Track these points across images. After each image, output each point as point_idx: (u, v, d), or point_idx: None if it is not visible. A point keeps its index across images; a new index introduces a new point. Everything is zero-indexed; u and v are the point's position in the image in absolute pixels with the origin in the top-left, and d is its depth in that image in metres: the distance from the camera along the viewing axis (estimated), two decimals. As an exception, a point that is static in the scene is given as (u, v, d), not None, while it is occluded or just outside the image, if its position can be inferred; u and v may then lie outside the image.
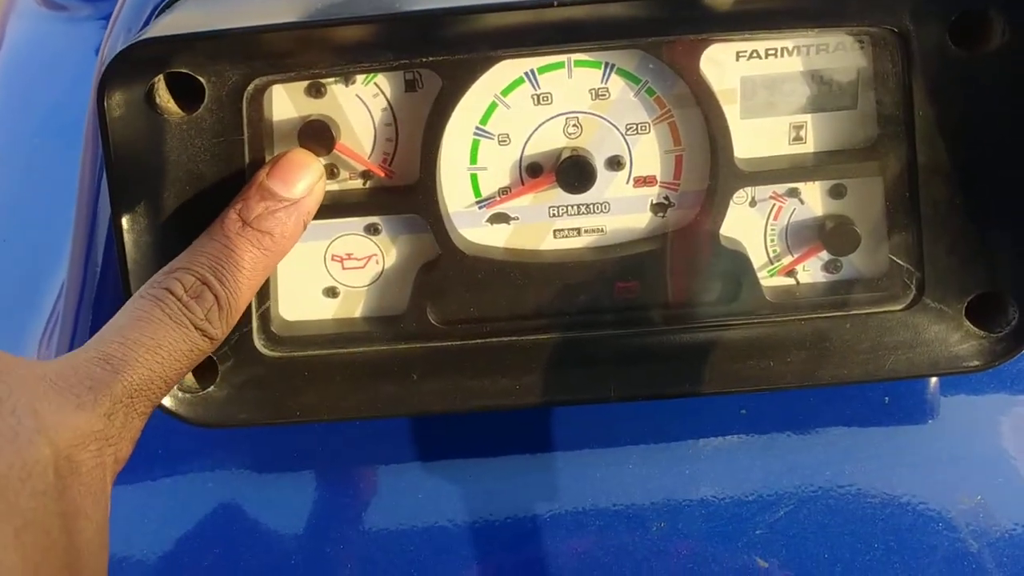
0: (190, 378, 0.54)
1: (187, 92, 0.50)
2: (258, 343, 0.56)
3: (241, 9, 0.51)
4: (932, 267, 0.54)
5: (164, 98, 0.50)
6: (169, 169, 0.51)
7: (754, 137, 0.55)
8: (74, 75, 0.91)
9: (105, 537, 0.40)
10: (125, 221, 0.51)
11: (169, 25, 0.49)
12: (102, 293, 0.64)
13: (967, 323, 0.55)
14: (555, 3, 0.45)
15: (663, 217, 0.56)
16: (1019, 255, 0.52)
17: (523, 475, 0.59)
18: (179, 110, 0.50)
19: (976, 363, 0.54)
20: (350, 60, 0.50)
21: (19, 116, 0.93)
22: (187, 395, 0.54)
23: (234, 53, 0.49)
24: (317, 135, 0.53)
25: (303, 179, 0.51)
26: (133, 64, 0.47)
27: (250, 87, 0.51)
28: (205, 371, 0.54)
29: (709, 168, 0.54)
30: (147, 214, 0.51)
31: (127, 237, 0.51)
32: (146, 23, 0.57)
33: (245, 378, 0.56)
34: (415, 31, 0.49)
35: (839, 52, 0.53)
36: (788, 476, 0.58)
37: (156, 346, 0.44)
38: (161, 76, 0.49)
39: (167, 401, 0.53)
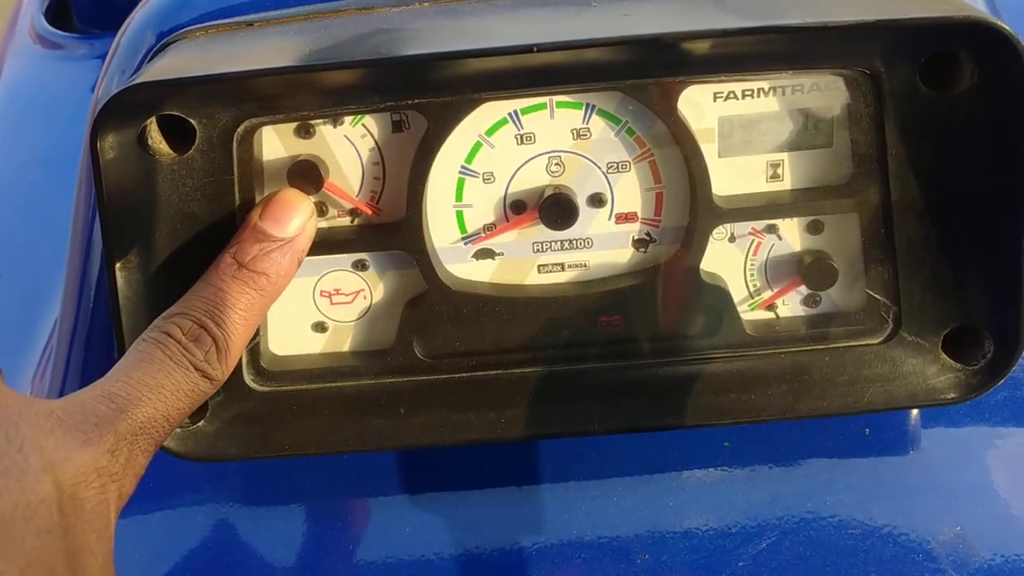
0: (180, 413, 0.55)
1: (178, 133, 0.51)
2: (247, 378, 0.57)
3: (232, 52, 0.53)
4: (908, 301, 0.55)
5: (156, 140, 0.51)
6: (161, 209, 0.52)
7: (732, 175, 0.56)
8: (70, 113, 0.93)
9: (110, 572, 0.41)
10: (117, 260, 0.52)
11: (161, 69, 0.51)
12: (95, 330, 0.65)
13: (944, 356, 0.56)
14: (535, 49, 0.46)
15: (645, 252, 0.58)
16: (992, 289, 0.53)
17: (509, 508, 0.60)
18: (171, 151, 0.52)
19: (953, 395, 0.55)
20: (338, 103, 0.52)
21: (15, 153, 0.94)
22: (177, 429, 0.55)
23: (225, 96, 0.50)
24: (306, 174, 0.54)
25: (295, 218, 0.52)
26: (126, 108, 0.49)
27: (240, 128, 0.52)
28: (195, 406, 0.55)
29: (689, 205, 0.55)
30: (139, 253, 0.52)
31: (119, 276, 0.52)
32: (139, 66, 0.58)
33: (234, 413, 0.56)
34: (401, 75, 0.50)
35: (814, 92, 0.54)
36: (771, 508, 0.58)
37: (159, 386, 0.45)
38: (153, 118, 0.50)
39: (157, 436, 0.54)
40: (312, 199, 0.54)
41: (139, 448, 0.43)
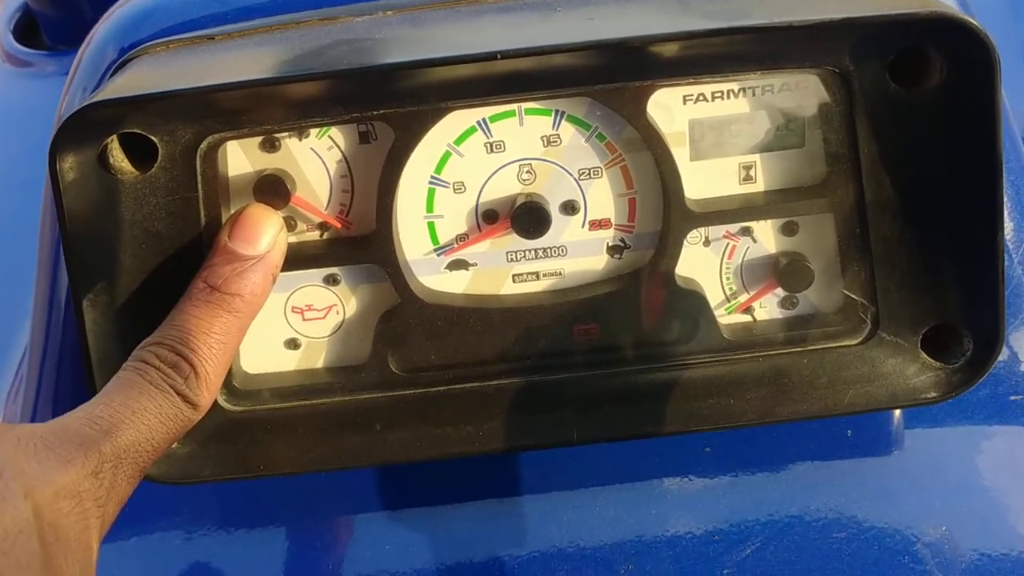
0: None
1: (140, 151, 0.51)
2: (220, 398, 0.56)
3: (193, 67, 0.52)
4: (885, 301, 0.55)
5: (118, 158, 0.50)
6: (124, 229, 0.51)
7: (705, 178, 0.55)
8: (40, 131, 0.91)
9: None
10: (82, 282, 0.50)
11: (121, 86, 0.50)
12: (65, 349, 0.64)
13: (923, 355, 0.55)
14: (498, 56, 0.46)
15: (619, 259, 0.57)
16: (969, 287, 0.53)
17: (491, 521, 0.59)
18: (133, 169, 0.51)
19: (934, 395, 0.55)
20: (302, 115, 0.51)
21: (-16, 173, 0.93)
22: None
23: (186, 112, 0.49)
24: (273, 189, 0.53)
25: (265, 234, 0.51)
26: (85, 126, 0.48)
27: (203, 144, 0.51)
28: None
29: (662, 210, 0.54)
30: (104, 275, 0.51)
31: (84, 298, 0.51)
32: (100, 82, 0.57)
33: (208, 433, 0.55)
34: (365, 85, 0.49)
35: (784, 92, 0.54)
36: (754, 513, 0.58)
37: (142, 409, 0.44)
38: (114, 137, 0.49)
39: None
40: (280, 214, 0.53)
41: (123, 473, 0.42)
